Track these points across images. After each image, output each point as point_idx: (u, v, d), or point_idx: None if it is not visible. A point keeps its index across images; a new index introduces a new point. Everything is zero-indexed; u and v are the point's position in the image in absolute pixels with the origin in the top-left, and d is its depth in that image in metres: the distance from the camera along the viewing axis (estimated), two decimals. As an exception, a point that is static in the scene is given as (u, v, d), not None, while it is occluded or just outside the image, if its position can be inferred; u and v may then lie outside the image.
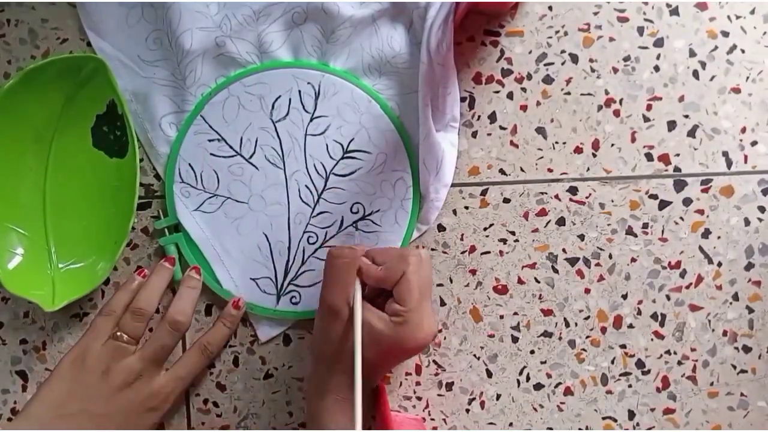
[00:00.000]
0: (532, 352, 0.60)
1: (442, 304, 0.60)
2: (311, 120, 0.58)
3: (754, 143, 0.59)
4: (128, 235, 0.58)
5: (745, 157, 0.59)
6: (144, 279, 0.58)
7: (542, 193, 0.59)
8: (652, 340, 0.59)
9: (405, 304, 0.49)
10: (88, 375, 0.54)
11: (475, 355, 0.60)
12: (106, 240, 0.59)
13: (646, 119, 0.59)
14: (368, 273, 0.51)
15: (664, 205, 0.59)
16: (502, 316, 0.60)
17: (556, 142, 0.59)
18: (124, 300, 0.57)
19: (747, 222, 0.59)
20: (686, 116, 0.59)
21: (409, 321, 0.49)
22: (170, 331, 0.56)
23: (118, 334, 0.55)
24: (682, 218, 0.59)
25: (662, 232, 0.59)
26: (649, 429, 0.59)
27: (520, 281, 0.60)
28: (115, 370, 0.54)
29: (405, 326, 0.49)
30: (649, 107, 0.59)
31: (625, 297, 0.59)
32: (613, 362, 0.59)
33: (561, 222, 0.59)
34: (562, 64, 0.59)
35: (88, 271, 0.59)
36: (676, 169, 0.59)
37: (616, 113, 0.59)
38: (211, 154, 0.59)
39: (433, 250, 0.60)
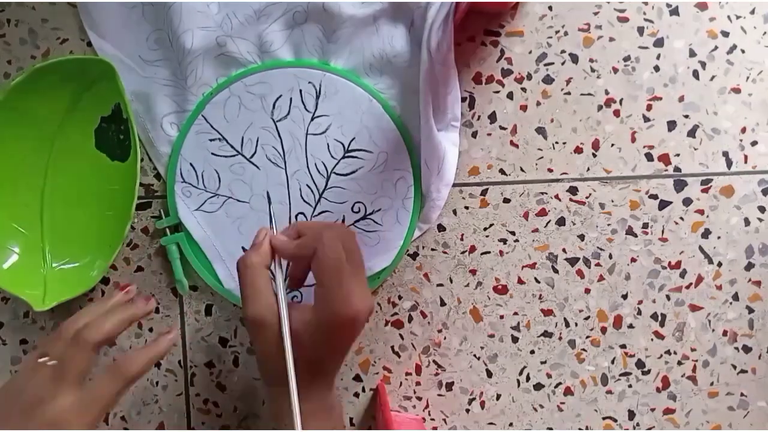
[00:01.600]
0: (532, 352, 0.60)
1: (442, 304, 0.60)
2: (312, 119, 0.58)
3: (754, 143, 0.59)
4: (124, 240, 0.58)
5: (745, 157, 0.59)
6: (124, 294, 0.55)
7: (542, 193, 0.59)
8: (652, 340, 0.59)
9: (321, 284, 0.47)
10: (6, 395, 0.49)
11: (475, 355, 0.60)
12: (102, 243, 0.59)
13: (646, 119, 0.59)
14: (283, 249, 0.50)
15: (664, 205, 0.59)
16: (502, 316, 0.60)
17: (556, 142, 0.59)
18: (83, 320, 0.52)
19: (747, 222, 0.59)
20: (686, 116, 0.59)
21: (333, 300, 0.46)
22: (78, 347, 0.50)
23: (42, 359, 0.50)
24: (682, 218, 0.59)
25: (662, 232, 0.59)
26: (649, 429, 0.59)
27: (520, 281, 0.60)
28: (26, 390, 0.49)
29: (330, 306, 0.46)
30: (649, 107, 0.59)
31: (625, 297, 0.59)
32: (613, 362, 0.59)
33: (561, 222, 0.59)
34: (562, 64, 0.59)
35: (82, 272, 0.59)
36: (676, 169, 0.59)
37: (616, 113, 0.59)
38: (213, 153, 0.59)
39: (433, 250, 0.60)
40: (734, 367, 0.59)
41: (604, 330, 0.59)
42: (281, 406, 0.47)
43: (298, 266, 0.52)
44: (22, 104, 0.57)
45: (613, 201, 0.59)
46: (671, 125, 0.59)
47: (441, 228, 0.60)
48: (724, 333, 0.59)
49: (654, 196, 0.59)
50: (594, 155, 0.59)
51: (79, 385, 0.50)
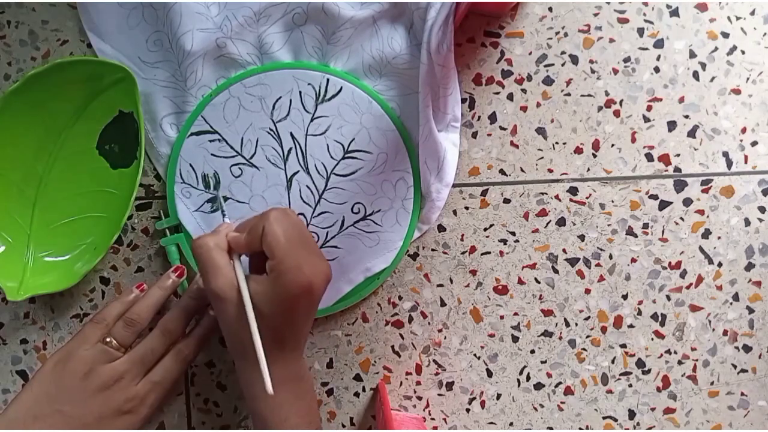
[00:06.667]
0: (533, 351, 0.60)
1: (443, 304, 0.60)
2: (312, 120, 0.58)
3: (754, 143, 0.59)
4: (110, 246, 0.57)
5: (746, 157, 0.59)
6: (141, 293, 0.57)
7: (542, 194, 0.59)
8: (652, 339, 0.59)
9: (273, 257, 0.48)
10: (68, 376, 0.54)
11: (475, 355, 0.60)
12: (89, 243, 0.59)
13: (647, 120, 0.59)
14: (238, 244, 0.51)
15: (664, 205, 0.59)
16: (502, 317, 0.60)
17: (557, 143, 0.59)
18: (117, 310, 0.56)
19: (747, 222, 0.59)
20: (686, 117, 0.59)
21: (285, 271, 0.48)
22: (160, 336, 0.55)
23: (108, 339, 0.54)
24: (682, 218, 0.59)
25: (662, 232, 0.59)
26: (650, 428, 0.60)
27: (521, 281, 0.60)
28: (96, 372, 0.54)
29: (283, 276, 0.48)
30: (649, 108, 0.59)
31: (625, 297, 0.59)
32: (613, 362, 0.60)
33: (561, 222, 0.59)
34: (563, 65, 0.59)
35: (64, 268, 0.59)
36: (677, 169, 0.59)
37: (617, 114, 0.59)
38: (212, 154, 0.59)
39: (433, 250, 0.60)
40: (734, 366, 0.59)
41: (604, 330, 0.60)
42: (250, 377, 0.50)
43: (254, 257, 0.53)
44: (36, 95, 0.57)
45: (613, 201, 0.59)
46: (671, 126, 0.59)
47: (441, 228, 0.60)
48: (725, 333, 0.59)
49: (654, 197, 0.59)
50: (594, 156, 0.59)
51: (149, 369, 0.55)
